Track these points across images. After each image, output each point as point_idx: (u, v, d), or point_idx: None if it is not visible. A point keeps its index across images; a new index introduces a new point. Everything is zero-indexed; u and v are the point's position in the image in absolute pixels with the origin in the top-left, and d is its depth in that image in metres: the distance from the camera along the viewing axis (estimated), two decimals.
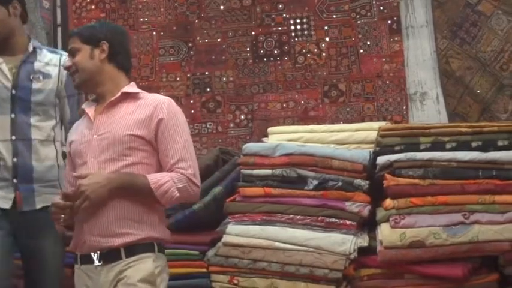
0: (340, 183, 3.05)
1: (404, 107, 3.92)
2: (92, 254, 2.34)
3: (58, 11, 4.40)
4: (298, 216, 3.04)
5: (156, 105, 2.42)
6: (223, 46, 4.19)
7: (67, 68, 2.54)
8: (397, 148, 3.02)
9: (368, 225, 3.04)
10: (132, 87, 2.50)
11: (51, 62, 2.92)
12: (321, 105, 4.03)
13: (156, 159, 2.42)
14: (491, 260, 2.81)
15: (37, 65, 2.88)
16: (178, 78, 4.23)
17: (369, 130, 3.32)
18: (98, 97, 2.53)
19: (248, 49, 4.16)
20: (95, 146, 2.41)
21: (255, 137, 3.98)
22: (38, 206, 2.77)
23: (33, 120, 2.83)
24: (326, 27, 4.08)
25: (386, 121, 3.70)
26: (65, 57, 2.86)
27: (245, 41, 4.17)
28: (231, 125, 4.13)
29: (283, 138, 3.37)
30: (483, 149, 2.92)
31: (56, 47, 4.14)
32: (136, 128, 2.38)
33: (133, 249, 2.33)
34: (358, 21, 4.04)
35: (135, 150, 2.38)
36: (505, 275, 2.79)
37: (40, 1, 4.25)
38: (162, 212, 2.47)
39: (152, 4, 4.30)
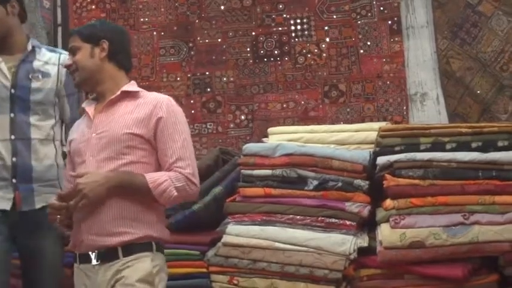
0: (340, 184, 3.05)
1: (405, 108, 3.92)
2: (90, 253, 2.34)
3: (58, 10, 4.40)
4: (298, 217, 3.04)
5: (156, 104, 2.42)
6: (224, 46, 4.19)
7: (67, 67, 2.54)
8: (397, 148, 3.02)
9: (368, 225, 3.04)
10: (132, 86, 2.50)
11: (50, 61, 2.91)
12: (321, 106, 4.03)
13: (155, 158, 2.42)
14: (491, 261, 2.81)
15: (36, 64, 2.87)
16: (178, 78, 4.23)
17: (369, 130, 3.33)
18: (98, 96, 2.53)
19: (248, 49, 4.16)
20: (94, 144, 2.41)
21: (255, 137, 3.97)
22: (38, 206, 2.77)
23: (32, 119, 2.82)
24: (326, 28, 4.08)
25: (387, 121, 3.70)
26: (64, 56, 2.86)
27: (245, 41, 4.17)
28: (231, 125, 4.13)
29: (284, 138, 3.37)
30: (483, 149, 2.92)
31: (56, 46, 4.13)
32: (135, 127, 2.38)
33: (131, 248, 2.32)
34: (359, 22, 4.04)
35: (133, 149, 2.38)
36: (505, 275, 2.79)
37: (40, 1, 4.25)
38: (161, 211, 2.46)
39: (152, 4, 4.30)
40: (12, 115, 2.79)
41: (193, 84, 4.20)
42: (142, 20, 4.30)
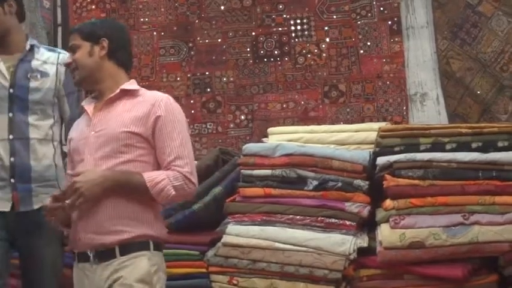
0: (340, 184, 3.05)
1: (405, 108, 3.92)
2: (88, 251, 2.34)
3: (58, 10, 4.40)
4: (298, 217, 3.04)
5: (154, 102, 2.41)
6: (224, 46, 4.19)
7: (67, 65, 2.54)
8: (397, 149, 3.02)
9: (368, 225, 3.04)
10: (131, 85, 2.50)
11: (49, 60, 2.90)
12: (321, 106, 4.03)
13: (153, 157, 2.41)
14: (491, 261, 2.81)
15: (35, 63, 2.86)
16: (178, 79, 4.23)
17: (369, 131, 3.33)
18: (98, 94, 2.53)
19: (248, 49, 4.16)
20: (92, 143, 2.40)
21: (255, 138, 3.97)
22: (36, 206, 2.75)
23: (31, 119, 2.81)
24: (326, 28, 4.08)
25: (387, 122, 3.70)
26: (63, 55, 2.86)
27: (245, 42, 4.17)
28: (231, 126, 4.13)
29: (283, 138, 3.37)
30: (483, 149, 2.92)
31: (56, 46, 4.12)
32: (133, 125, 2.37)
33: (128, 247, 2.31)
34: (359, 22, 4.03)
35: (131, 148, 2.37)
36: (505, 275, 2.79)
37: (41, 1, 4.25)
38: (158, 210, 2.45)
39: (152, 4, 4.30)
40: (10, 115, 2.78)
41: (193, 84, 4.20)
42: (142, 20, 4.30)
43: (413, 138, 3.03)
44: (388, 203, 2.91)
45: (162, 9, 4.28)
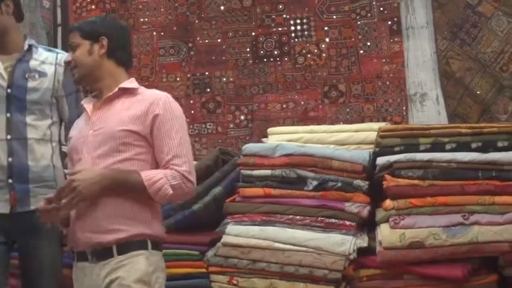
0: (339, 184, 3.05)
1: (404, 108, 3.92)
2: (86, 250, 2.34)
3: (58, 10, 4.40)
4: (297, 217, 3.04)
5: (153, 101, 2.41)
6: (224, 46, 4.19)
7: (67, 63, 2.54)
8: (396, 149, 3.02)
9: (367, 225, 3.04)
10: (130, 83, 2.49)
11: (47, 60, 2.89)
12: (320, 106, 4.03)
13: (151, 156, 2.40)
14: (490, 261, 2.81)
15: (33, 63, 2.85)
16: (178, 79, 4.23)
17: (369, 131, 3.33)
18: (98, 93, 2.53)
19: (248, 50, 4.16)
20: (91, 141, 2.39)
21: (254, 138, 3.97)
22: (33, 207, 2.71)
23: (29, 119, 2.80)
24: (326, 28, 4.08)
25: (386, 122, 3.70)
26: (61, 55, 2.85)
27: (245, 42, 4.17)
28: (231, 126, 4.13)
29: (283, 138, 3.37)
30: (483, 150, 2.92)
31: (56, 46, 4.13)
32: (131, 124, 2.37)
33: (126, 246, 2.30)
34: (358, 22, 4.04)
35: (129, 146, 2.36)
36: (505, 276, 2.79)
37: (40, 1, 4.25)
38: (156, 209, 2.44)
39: (152, 4, 4.30)
40: (8, 115, 2.77)
41: (192, 84, 4.20)
42: (142, 20, 4.31)
43: (413, 138, 3.03)
44: (388, 203, 2.91)
45: (162, 9, 4.29)
